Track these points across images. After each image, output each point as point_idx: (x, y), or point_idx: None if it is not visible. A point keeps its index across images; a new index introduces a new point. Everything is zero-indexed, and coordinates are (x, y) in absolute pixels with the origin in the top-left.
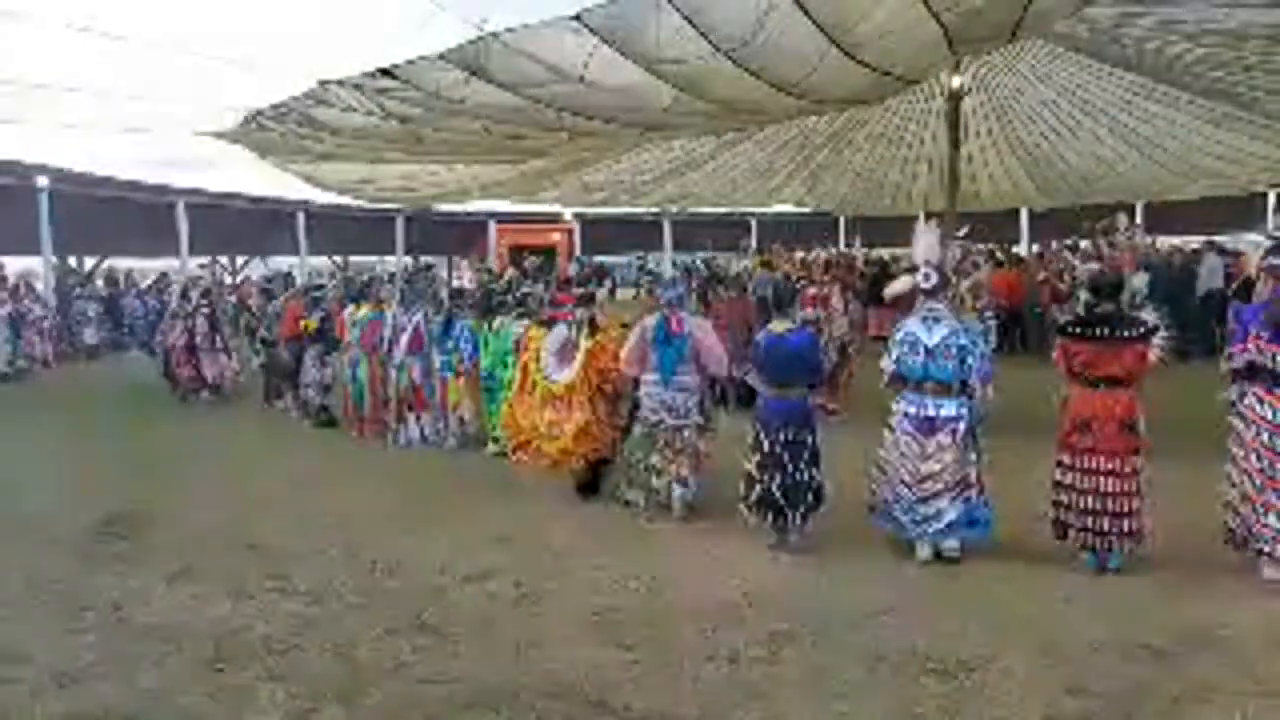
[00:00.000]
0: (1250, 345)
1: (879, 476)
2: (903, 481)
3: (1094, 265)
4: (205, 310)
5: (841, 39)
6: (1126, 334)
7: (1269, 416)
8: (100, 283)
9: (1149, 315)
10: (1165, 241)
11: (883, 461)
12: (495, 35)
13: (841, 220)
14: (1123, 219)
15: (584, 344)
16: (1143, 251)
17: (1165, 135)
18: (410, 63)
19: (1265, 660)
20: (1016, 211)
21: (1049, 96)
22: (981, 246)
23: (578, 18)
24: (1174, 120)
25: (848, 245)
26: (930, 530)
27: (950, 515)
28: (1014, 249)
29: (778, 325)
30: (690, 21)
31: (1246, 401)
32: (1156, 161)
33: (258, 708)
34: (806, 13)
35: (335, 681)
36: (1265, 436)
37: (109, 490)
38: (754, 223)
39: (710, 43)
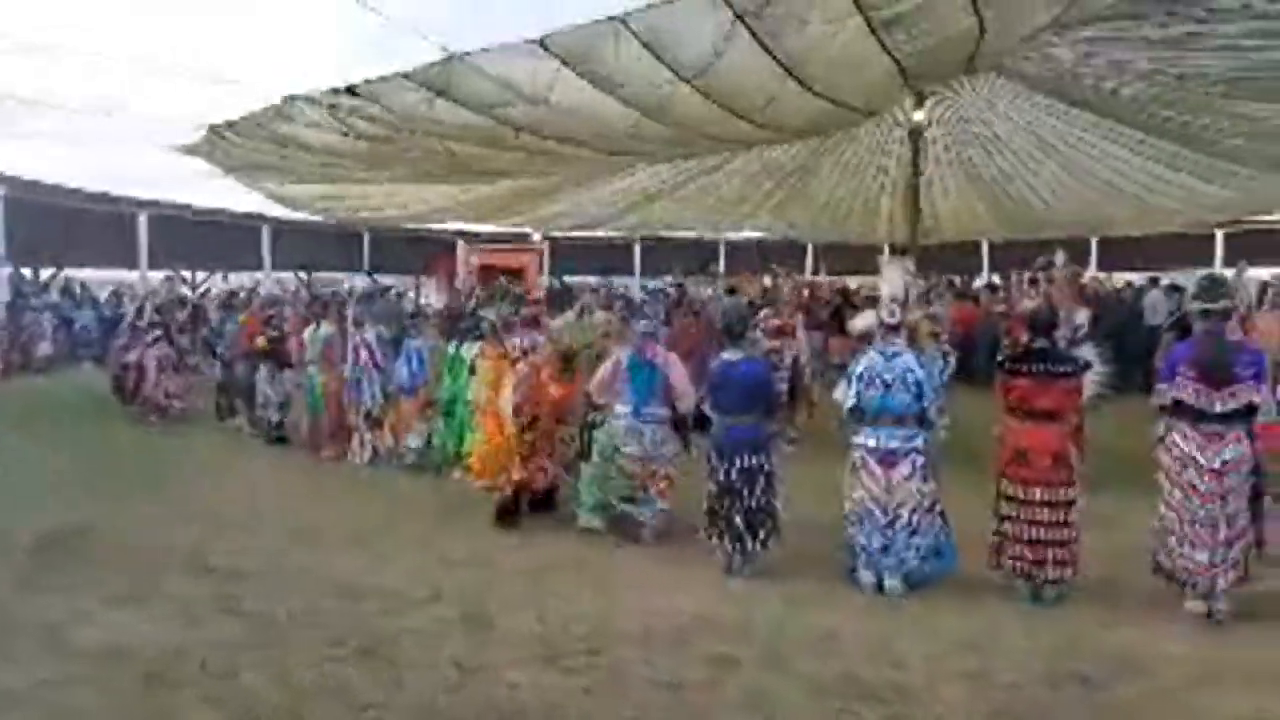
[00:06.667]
0: (1176, 383)
1: (851, 516)
2: (870, 516)
3: (1030, 303)
4: (161, 327)
5: (798, 71)
6: (1059, 370)
7: (1191, 453)
8: (55, 294)
9: (1087, 352)
10: (1119, 277)
11: (850, 500)
12: (460, 56)
13: (810, 246)
14: (1060, 255)
15: (510, 366)
16: (1088, 288)
17: (1117, 173)
18: (375, 81)
19: (1186, 689)
20: (978, 243)
21: (1007, 132)
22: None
23: (541, 42)
24: (1126, 159)
25: (814, 272)
26: (898, 563)
27: (917, 546)
28: (973, 282)
29: (731, 353)
30: (649, 48)
31: (1172, 437)
32: (1109, 198)
33: None
34: (762, 44)
35: (272, 705)
36: (1187, 471)
37: (56, 508)
38: (723, 248)
39: (670, 69)
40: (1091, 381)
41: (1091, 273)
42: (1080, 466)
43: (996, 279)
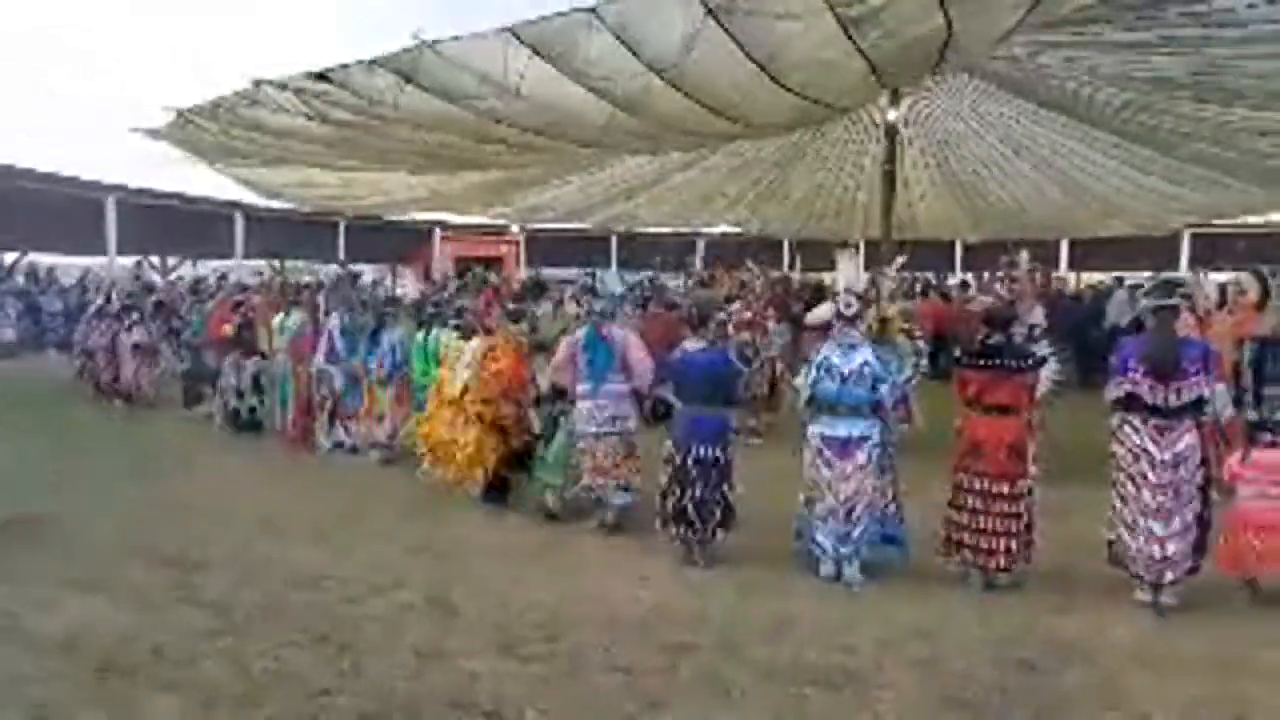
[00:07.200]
0: (1128, 377)
1: (806, 502)
2: (824, 503)
3: (986, 299)
4: (131, 313)
5: (769, 66)
6: (1014, 365)
7: (1143, 445)
8: (20, 279)
9: (1042, 348)
10: (1088, 277)
11: (806, 489)
12: (430, 44)
13: (785, 242)
14: (1024, 255)
15: (476, 345)
16: (1044, 287)
17: (1087, 175)
18: (344, 67)
19: (1126, 675)
20: (951, 242)
21: (980, 132)
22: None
23: (512, 30)
24: (1095, 161)
25: (790, 268)
26: (853, 551)
27: (868, 532)
28: (947, 279)
29: (692, 343)
30: (620, 40)
31: (1124, 430)
32: (1079, 199)
33: (146, 718)
34: (732, 37)
35: (229, 693)
36: (1139, 464)
37: (16, 495)
38: (701, 242)
39: (641, 62)
40: (1045, 379)
41: (1060, 273)
42: (1034, 459)
43: (969, 277)
